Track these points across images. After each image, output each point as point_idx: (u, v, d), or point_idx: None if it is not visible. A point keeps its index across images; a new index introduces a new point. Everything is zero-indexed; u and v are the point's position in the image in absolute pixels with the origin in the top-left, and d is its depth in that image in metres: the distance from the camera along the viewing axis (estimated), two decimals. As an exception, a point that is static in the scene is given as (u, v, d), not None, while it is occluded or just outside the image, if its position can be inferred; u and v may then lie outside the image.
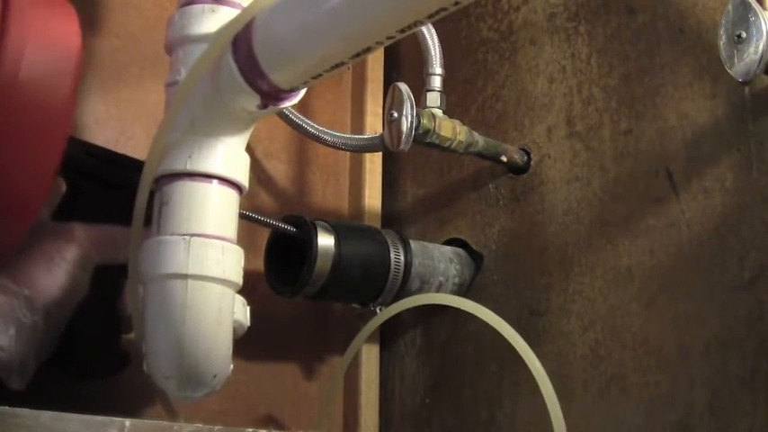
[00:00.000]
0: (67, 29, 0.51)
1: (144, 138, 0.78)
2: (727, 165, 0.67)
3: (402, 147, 0.73)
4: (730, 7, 0.61)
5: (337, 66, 0.51)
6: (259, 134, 0.86)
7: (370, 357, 0.89)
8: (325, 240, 0.74)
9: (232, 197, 0.57)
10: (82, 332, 0.60)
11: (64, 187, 0.60)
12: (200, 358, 0.54)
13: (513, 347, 0.65)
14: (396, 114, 0.73)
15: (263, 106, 0.55)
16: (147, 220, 0.56)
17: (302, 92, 0.56)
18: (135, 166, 0.62)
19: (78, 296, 0.58)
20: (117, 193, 0.61)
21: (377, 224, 0.92)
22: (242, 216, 0.60)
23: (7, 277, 0.55)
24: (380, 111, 0.95)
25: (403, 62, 0.99)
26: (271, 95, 0.54)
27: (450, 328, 0.86)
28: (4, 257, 0.54)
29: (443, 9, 0.43)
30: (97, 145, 0.65)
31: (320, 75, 0.52)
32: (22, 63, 0.47)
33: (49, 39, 0.49)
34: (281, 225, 0.74)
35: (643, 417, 0.68)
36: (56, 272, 0.57)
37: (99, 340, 0.63)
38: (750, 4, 0.61)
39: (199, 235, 0.55)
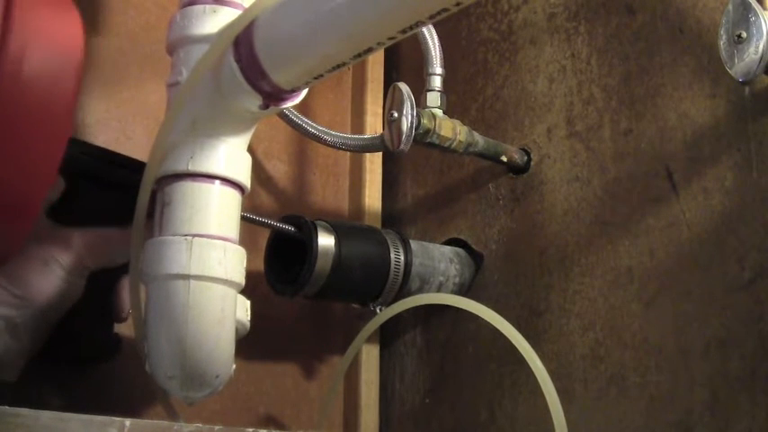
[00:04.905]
0: (70, 28, 0.51)
1: (144, 138, 0.78)
2: (727, 165, 0.67)
3: (402, 147, 0.73)
4: (730, 7, 0.62)
5: (339, 66, 0.51)
6: (259, 134, 0.86)
7: (370, 357, 0.89)
8: (326, 240, 0.74)
9: (234, 197, 0.57)
10: (75, 324, 0.60)
11: (62, 185, 0.60)
12: (202, 359, 0.54)
13: (514, 347, 0.65)
14: (396, 114, 0.73)
15: (265, 106, 0.55)
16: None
17: (304, 92, 0.56)
18: (131, 165, 0.62)
19: (73, 299, 0.59)
20: (113, 193, 0.61)
21: (377, 224, 0.92)
22: (242, 218, 0.60)
23: (1, 276, 0.55)
24: (380, 111, 0.95)
25: (403, 62, 0.99)
26: (272, 96, 0.54)
27: (450, 327, 0.86)
28: (5, 259, 0.54)
29: (445, 10, 0.43)
30: (94, 144, 0.65)
31: (321, 75, 0.52)
32: (24, 63, 0.47)
33: (51, 38, 0.49)
34: (282, 225, 0.74)
35: (643, 417, 0.68)
36: (51, 277, 0.57)
37: (92, 330, 0.63)
38: (750, 4, 0.61)
39: (201, 235, 0.55)
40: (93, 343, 0.64)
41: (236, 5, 0.57)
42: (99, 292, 0.62)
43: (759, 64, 0.60)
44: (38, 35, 0.48)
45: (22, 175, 0.49)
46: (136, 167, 0.59)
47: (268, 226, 0.73)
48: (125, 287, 0.64)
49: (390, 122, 0.74)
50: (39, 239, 0.57)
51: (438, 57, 0.80)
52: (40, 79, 0.48)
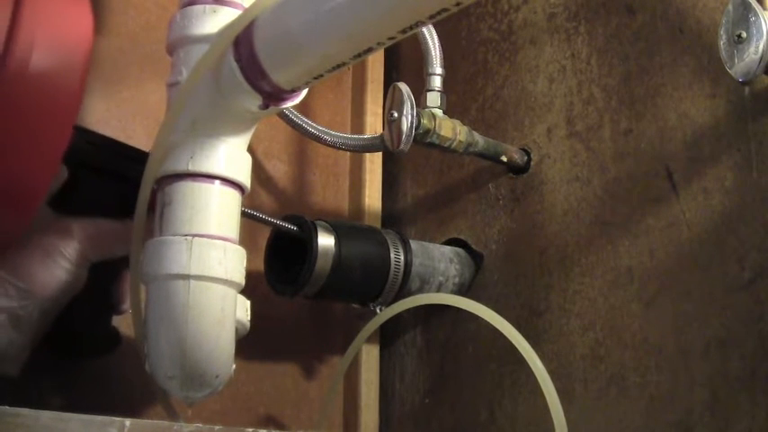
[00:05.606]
0: (79, 21, 0.51)
1: (144, 137, 0.78)
2: (727, 165, 0.67)
3: (402, 147, 0.73)
4: (730, 7, 0.62)
5: (339, 66, 0.51)
6: (259, 134, 0.86)
7: (370, 357, 0.89)
8: (326, 240, 0.74)
9: (234, 197, 0.57)
10: (75, 316, 0.61)
11: (65, 174, 0.60)
12: (202, 358, 0.54)
13: (514, 347, 0.65)
14: (396, 114, 0.73)
15: (265, 106, 0.55)
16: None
17: (304, 92, 0.56)
18: (136, 156, 0.62)
19: (75, 290, 0.59)
20: (115, 184, 0.61)
21: (377, 224, 0.92)
22: (243, 214, 0.60)
23: (3, 268, 0.55)
24: (380, 111, 0.95)
25: (403, 62, 0.99)
26: (272, 96, 0.54)
27: (450, 327, 0.86)
28: (6, 246, 0.54)
29: (445, 10, 0.43)
30: (100, 134, 0.65)
31: (321, 75, 0.52)
32: (33, 54, 0.47)
33: (60, 30, 0.50)
34: (282, 223, 0.74)
35: (643, 417, 0.68)
36: (53, 268, 0.57)
37: (92, 322, 0.63)
38: (750, 4, 0.61)
39: (201, 235, 0.55)
40: (94, 335, 0.64)
41: (236, 5, 0.57)
42: (99, 284, 0.62)
43: (759, 64, 0.60)
44: (47, 26, 0.48)
45: (25, 165, 0.49)
46: (139, 158, 0.59)
47: (268, 223, 0.73)
48: (127, 280, 0.64)
49: (390, 122, 0.74)
50: (41, 231, 0.57)
51: (438, 57, 0.80)
52: (48, 71, 0.48)
